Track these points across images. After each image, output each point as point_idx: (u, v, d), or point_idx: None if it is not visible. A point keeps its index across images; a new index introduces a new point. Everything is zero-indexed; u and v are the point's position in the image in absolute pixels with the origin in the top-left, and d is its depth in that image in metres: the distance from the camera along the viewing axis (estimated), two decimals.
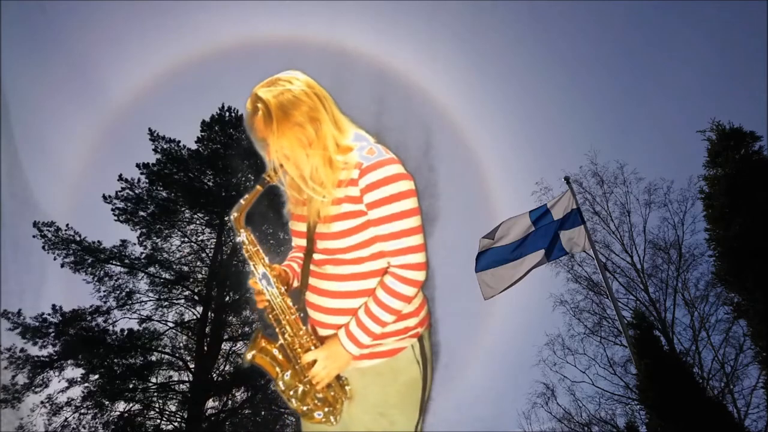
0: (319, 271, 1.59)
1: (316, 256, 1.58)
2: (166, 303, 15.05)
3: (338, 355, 1.51)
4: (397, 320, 1.54)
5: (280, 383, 1.56)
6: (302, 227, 1.61)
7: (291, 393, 1.55)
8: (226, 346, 14.62)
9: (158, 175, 15.50)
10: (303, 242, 1.62)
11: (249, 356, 1.58)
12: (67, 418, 13.33)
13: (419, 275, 1.50)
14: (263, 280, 1.57)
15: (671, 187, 15.89)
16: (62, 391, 13.55)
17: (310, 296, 1.62)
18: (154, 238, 15.34)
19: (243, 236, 1.58)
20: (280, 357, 1.59)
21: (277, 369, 1.58)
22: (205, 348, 14.05)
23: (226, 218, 14.72)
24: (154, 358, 14.40)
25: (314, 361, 1.52)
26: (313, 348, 1.55)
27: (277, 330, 1.58)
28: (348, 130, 1.56)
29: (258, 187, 1.56)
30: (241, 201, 1.57)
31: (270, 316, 1.59)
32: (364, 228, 1.49)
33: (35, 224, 14.23)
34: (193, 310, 15.04)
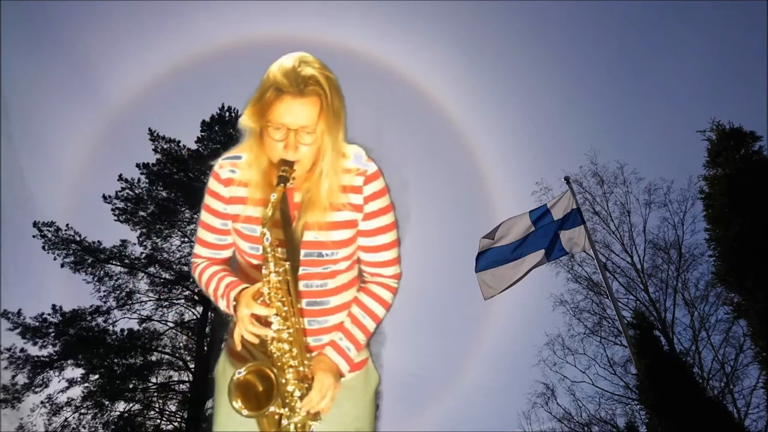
0: (310, 284, 1.41)
1: (301, 269, 1.38)
2: (166, 303, 15.08)
3: (336, 376, 1.34)
4: None
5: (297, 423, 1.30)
6: (276, 233, 1.33)
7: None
8: None
9: (158, 175, 15.50)
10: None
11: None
12: (67, 418, 13.35)
13: (398, 286, 1.53)
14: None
15: (671, 187, 15.96)
16: (62, 391, 13.60)
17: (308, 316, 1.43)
18: (154, 238, 15.35)
19: (267, 239, 1.27)
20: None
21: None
22: (205, 348, 14.04)
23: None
24: (154, 358, 14.43)
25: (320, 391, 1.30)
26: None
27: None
28: None
29: (281, 187, 1.27)
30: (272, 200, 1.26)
31: (277, 345, 1.30)
32: (356, 239, 1.44)
33: (35, 224, 14.25)
34: (193, 310, 15.05)
